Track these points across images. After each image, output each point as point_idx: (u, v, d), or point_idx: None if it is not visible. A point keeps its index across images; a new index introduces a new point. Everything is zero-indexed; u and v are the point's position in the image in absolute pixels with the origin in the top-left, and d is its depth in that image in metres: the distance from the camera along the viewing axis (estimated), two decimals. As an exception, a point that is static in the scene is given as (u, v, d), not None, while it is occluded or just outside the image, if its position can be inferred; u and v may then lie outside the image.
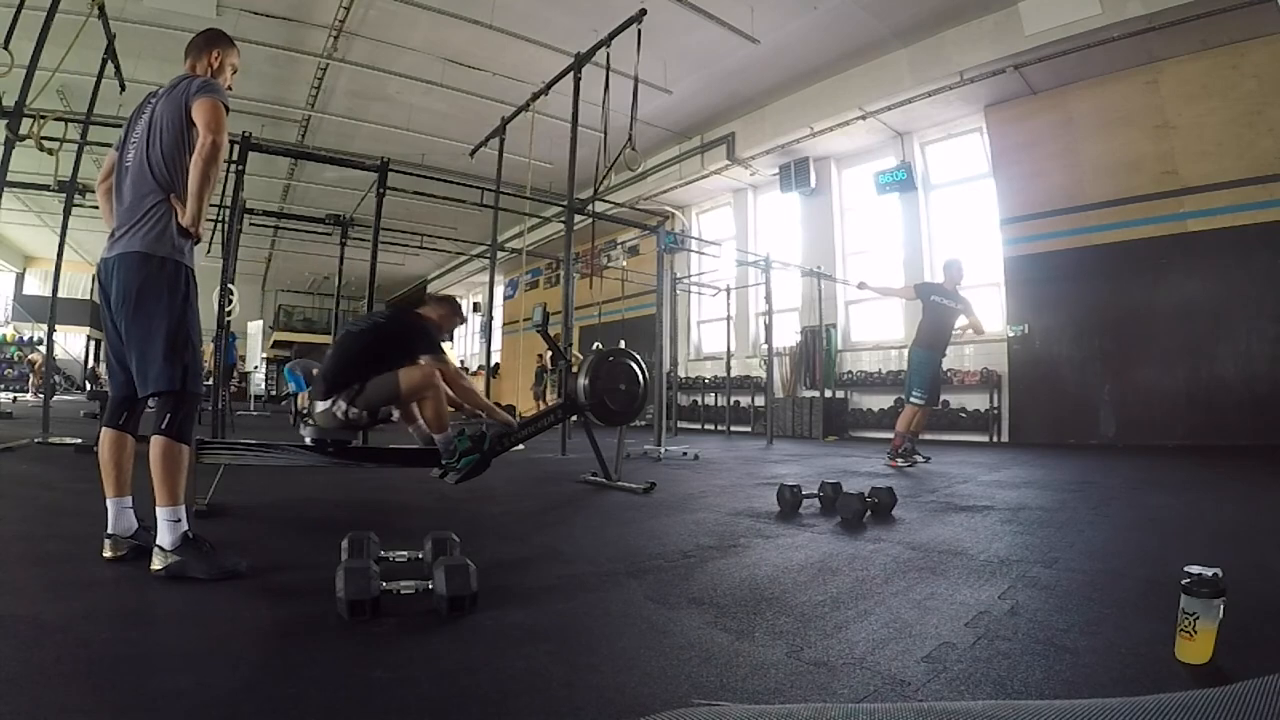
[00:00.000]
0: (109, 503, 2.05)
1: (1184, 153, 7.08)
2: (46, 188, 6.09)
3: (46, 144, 4.99)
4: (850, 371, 10.05)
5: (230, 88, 2.24)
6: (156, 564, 1.86)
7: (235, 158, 5.28)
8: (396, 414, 3.18)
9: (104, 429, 2.11)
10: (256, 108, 9.84)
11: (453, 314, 3.56)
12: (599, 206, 8.59)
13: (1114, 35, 6.68)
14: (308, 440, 3.05)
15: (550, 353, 4.01)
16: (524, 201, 7.98)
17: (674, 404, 10.16)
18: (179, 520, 1.91)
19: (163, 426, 1.97)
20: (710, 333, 12.85)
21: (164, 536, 1.88)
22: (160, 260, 1.99)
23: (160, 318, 1.97)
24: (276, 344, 20.93)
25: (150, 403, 2.07)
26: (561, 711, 1.12)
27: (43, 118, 4.92)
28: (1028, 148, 8.20)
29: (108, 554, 1.99)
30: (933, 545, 2.42)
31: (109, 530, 2.02)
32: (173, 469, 1.95)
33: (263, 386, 17.18)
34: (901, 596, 1.78)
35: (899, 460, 5.23)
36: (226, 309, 5.09)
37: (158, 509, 1.91)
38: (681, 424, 10.87)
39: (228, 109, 2.05)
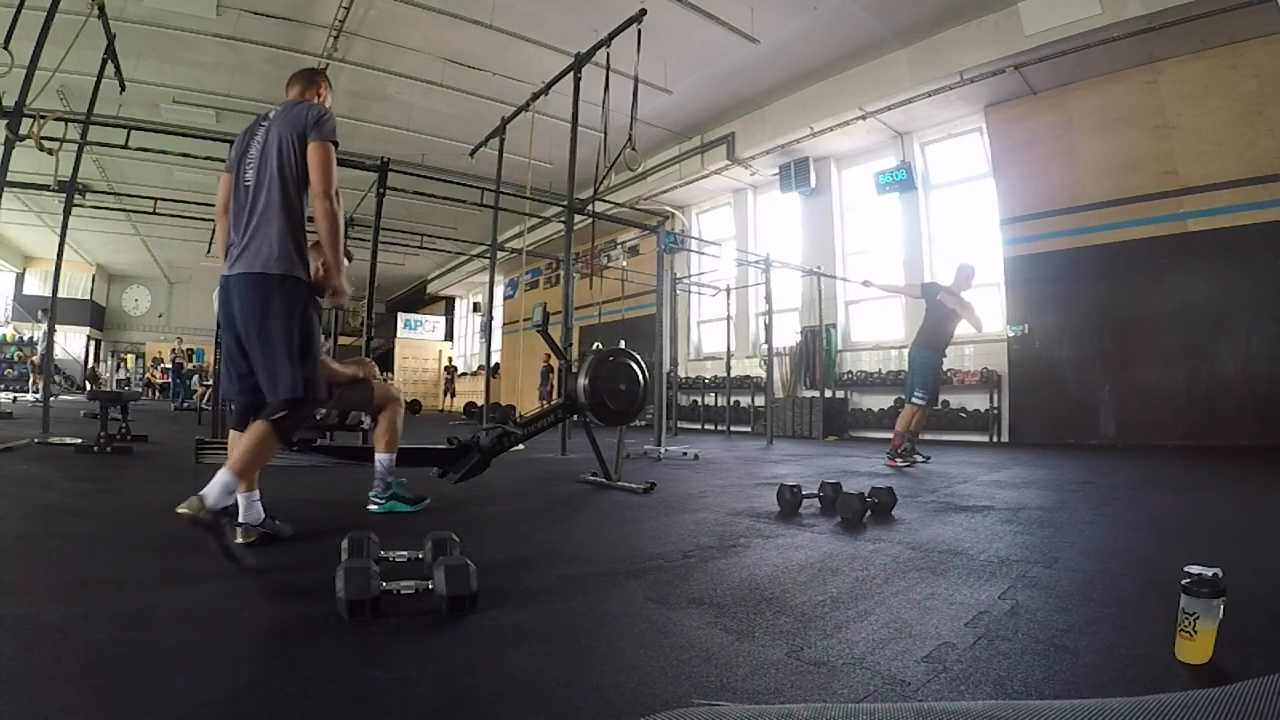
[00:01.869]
0: (240, 496, 2.15)
1: (1184, 153, 7.08)
2: (46, 188, 6.09)
3: (46, 144, 4.98)
4: (850, 371, 10.06)
5: None
6: (240, 537, 2.08)
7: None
8: (367, 421, 3.14)
9: (234, 431, 2.26)
10: (256, 108, 9.84)
11: None
12: (599, 206, 8.59)
13: (1114, 35, 6.68)
14: None
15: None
16: (524, 201, 7.97)
17: (674, 404, 10.16)
18: (253, 500, 2.15)
19: (273, 418, 2.07)
20: (710, 333, 12.85)
21: (246, 512, 2.10)
22: (279, 278, 2.09)
23: (284, 332, 2.09)
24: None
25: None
26: (561, 711, 1.12)
27: (43, 118, 4.92)
28: (1028, 148, 8.20)
29: (239, 540, 2.11)
30: (933, 545, 2.42)
31: (240, 520, 2.16)
32: (259, 456, 2.07)
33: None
34: (901, 596, 1.78)
35: (899, 460, 5.23)
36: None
37: (232, 485, 1.96)
38: (681, 424, 10.87)
39: (337, 145, 2.20)
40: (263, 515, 2.26)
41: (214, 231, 2.36)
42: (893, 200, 9.75)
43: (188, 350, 15.24)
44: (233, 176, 2.24)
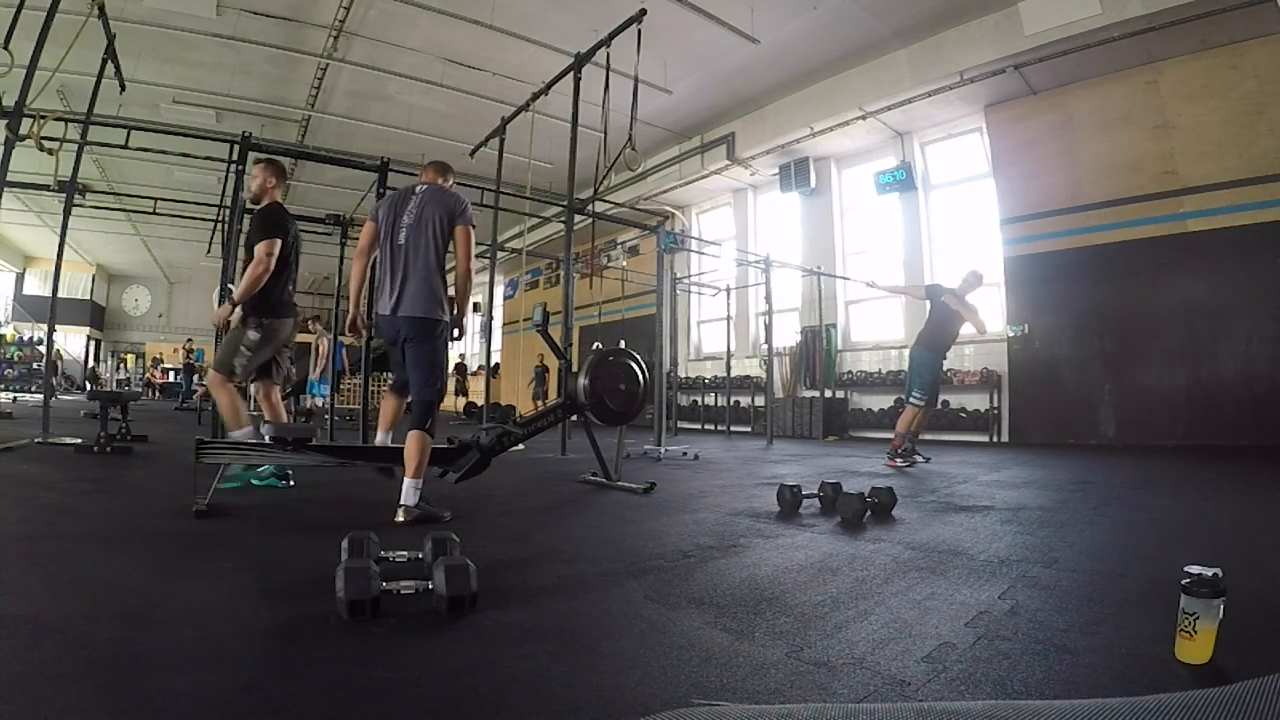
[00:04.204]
0: (379, 434, 3.10)
1: (1184, 153, 7.08)
2: (46, 188, 6.09)
3: (46, 144, 4.98)
4: (850, 371, 10.06)
5: None
6: (401, 517, 2.68)
7: (235, 158, 5.28)
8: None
9: (391, 393, 3.14)
10: (256, 108, 9.85)
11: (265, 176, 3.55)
12: (599, 206, 8.59)
13: (1114, 35, 6.68)
14: (266, 438, 3.00)
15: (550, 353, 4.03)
16: (524, 201, 7.97)
17: (674, 404, 10.16)
18: (418, 489, 2.76)
19: (423, 426, 2.87)
20: (710, 333, 12.85)
21: (408, 497, 2.72)
22: (434, 321, 2.93)
23: (429, 354, 2.94)
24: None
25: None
26: (561, 711, 1.12)
27: (43, 118, 4.92)
28: (1028, 148, 8.20)
29: (400, 519, 2.72)
30: (933, 545, 2.42)
31: (400, 502, 2.79)
32: (421, 454, 2.81)
33: (262, 386, 17.10)
34: (901, 596, 1.78)
35: (899, 460, 5.23)
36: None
37: (406, 479, 2.76)
38: (681, 424, 10.87)
39: (475, 227, 3.06)
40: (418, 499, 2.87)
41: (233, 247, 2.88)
42: (893, 200, 9.75)
43: (190, 350, 15.25)
44: (383, 232, 2.95)
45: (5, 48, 4.38)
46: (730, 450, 7.11)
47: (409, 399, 3.01)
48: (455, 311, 3.02)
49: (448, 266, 3.05)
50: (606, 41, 6.02)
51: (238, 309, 3.34)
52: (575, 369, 4.04)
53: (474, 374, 20.26)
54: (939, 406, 6.88)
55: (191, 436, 3.11)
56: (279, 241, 3.34)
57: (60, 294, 6.16)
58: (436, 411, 3.01)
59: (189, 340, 15.57)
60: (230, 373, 3.32)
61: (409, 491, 2.74)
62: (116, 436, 5.06)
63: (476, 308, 22.67)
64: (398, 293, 2.89)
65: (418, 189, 3.01)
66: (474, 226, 2.99)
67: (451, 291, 3.10)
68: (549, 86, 7.26)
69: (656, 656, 1.35)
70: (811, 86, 9.26)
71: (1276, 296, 6.45)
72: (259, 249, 3.28)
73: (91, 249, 18.95)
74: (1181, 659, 1.29)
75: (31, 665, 1.22)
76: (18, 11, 4.67)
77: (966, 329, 5.61)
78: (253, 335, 3.33)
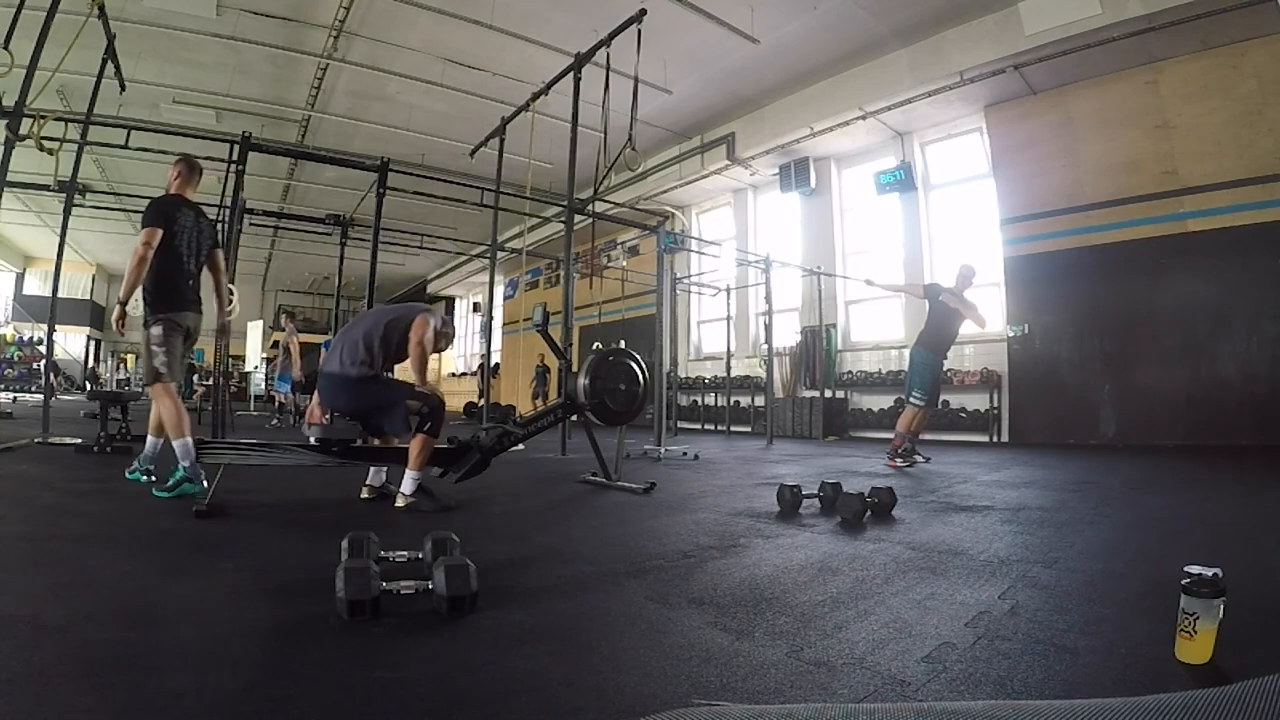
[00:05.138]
0: (372, 467, 3.33)
1: (1184, 153, 7.08)
2: (46, 188, 6.09)
3: (46, 144, 4.98)
4: (850, 371, 10.05)
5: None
6: (399, 503, 3.01)
7: (235, 158, 5.28)
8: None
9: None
10: (256, 108, 9.85)
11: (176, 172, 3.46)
12: (599, 206, 8.58)
13: (1114, 35, 6.68)
14: (312, 440, 3.05)
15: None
16: (524, 201, 7.97)
17: (674, 404, 10.15)
18: (417, 479, 3.05)
19: (422, 428, 3.13)
20: (710, 333, 12.85)
21: (406, 486, 3.04)
22: (347, 378, 3.23)
23: (368, 398, 3.26)
24: (276, 344, 20.89)
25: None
26: (561, 711, 1.12)
27: (43, 118, 4.92)
28: (1028, 148, 8.20)
29: (364, 495, 3.27)
30: (933, 545, 2.42)
31: (368, 481, 3.32)
32: (421, 451, 3.08)
33: (262, 387, 17.15)
34: (901, 596, 1.78)
35: (899, 460, 5.22)
36: (227, 309, 5.06)
37: (407, 470, 3.05)
38: (681, 424, 10.87)
39: (430, 325, 3.31)
40: (384, 480, 3.28)
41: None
42: (893, 200, 9.74)
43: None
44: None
45: (5, 48, 4.38)
46: (730, 450, 7.11)
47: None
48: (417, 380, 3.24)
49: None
50: (606, 41, 6.02)
51: (134, 307, 3.26)
52: (575, 369, 4.04)
53: (473, 374, 20.26)
54: (939, 407, 6.88)
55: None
56: (158, 231, 3.14)
57: (60, 294, 6.17)
58: (440, 416, 3.17)
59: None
60: (157, 377, 3.18)
61: (407, 481, 3.03)
62: (116, 436, 5.06)
63: (476, 308, 22.78)
64: (330, 354, 3.31)
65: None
66: (429, 322, 3.25)
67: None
68: (549, 86, 7.26)
69: (656, 656, 1.35)
70: (811, 86, 9.26)
71: (1276, 296, 6.45)
72: (138, 239, 3.15)
73: (91, 249, 18.95)
74: (1181, 659, 1.29)
75: (31, 665, 1.22)
76: (18, 11, 4.67)
77: (968, 327, 5.61)
78: (156, 331, 3.20)
